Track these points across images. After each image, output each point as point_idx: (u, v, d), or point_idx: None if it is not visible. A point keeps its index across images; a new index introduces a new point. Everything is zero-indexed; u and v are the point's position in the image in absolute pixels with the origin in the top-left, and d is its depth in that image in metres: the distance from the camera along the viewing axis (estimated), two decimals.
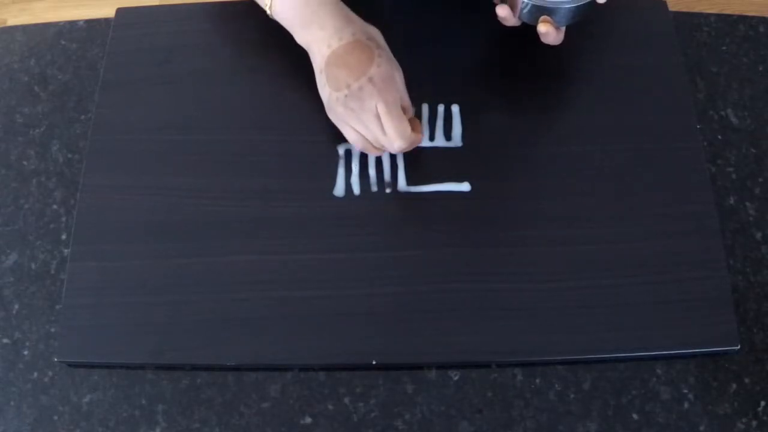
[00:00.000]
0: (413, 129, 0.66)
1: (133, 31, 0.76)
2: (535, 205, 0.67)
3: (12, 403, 0.62)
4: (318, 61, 0.66)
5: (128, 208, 0.67)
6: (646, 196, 0.67)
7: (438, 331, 0.62)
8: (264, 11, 0.69)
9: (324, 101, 0.67)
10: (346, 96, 0.64)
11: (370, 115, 0.64)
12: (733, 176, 0.70)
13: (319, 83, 0.67)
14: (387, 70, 0.64)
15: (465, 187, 0.68)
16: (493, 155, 0.69)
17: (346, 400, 0.61)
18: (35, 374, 0.63)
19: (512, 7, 0.66)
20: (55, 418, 0.61)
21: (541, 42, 0.66)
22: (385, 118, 0.64)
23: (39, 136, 0.73)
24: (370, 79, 0.63)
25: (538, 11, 0.64)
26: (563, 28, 0.67)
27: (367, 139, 0.66)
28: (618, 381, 0.62)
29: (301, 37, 0.67)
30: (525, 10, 0.65)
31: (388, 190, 0.68)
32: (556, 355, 0.62)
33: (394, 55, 0.66)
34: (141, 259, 0.65)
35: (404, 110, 0.66)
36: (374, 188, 0.68)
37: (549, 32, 0.65)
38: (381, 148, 0.67)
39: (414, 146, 0.67)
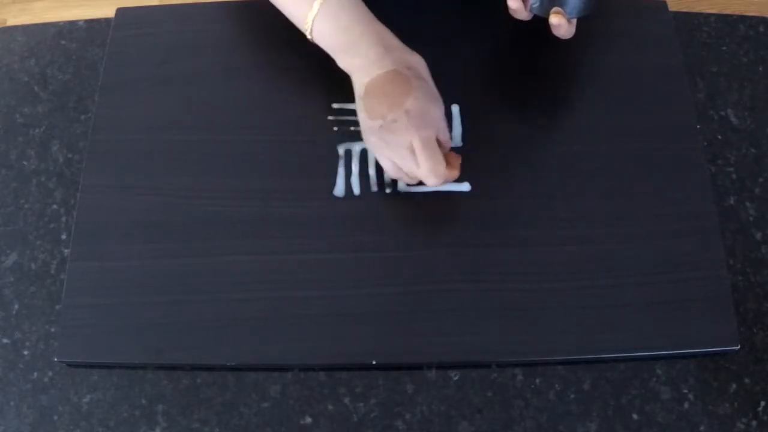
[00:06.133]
0: (449, 164, 0.64)
1: (133, 31, 0.76)
2: (535, 205, 0.67)
3: (12, 403, 0.62)
4: (357, 88, 0.65)
5: (128, 208, 0.67)
6: (646, 196, 0.67)
7: (438, 331, 0.62)
8: (300, 32, 0.68)
9: (361, 127, 0.66)
10: (380, 127, 0.63)
11: (404, 150, 0.63)
12: (733, 176, 0.70)
13: (357, 109, 0.66)
14: (423, 104, 0.62)
15: (465, 187, 0.68)
16: (493, 155, 0.69)
17: (346, 400, 0.61)
18: (35, 374, 0.63)
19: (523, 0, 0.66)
20: (55, 418, 0.61)
21: (553, 36, 0.66)
22: (419, 155, 0.62)
23: (39, 136, 0.73)
24: (407, 112, 0.62)
25: (550, 3, 0.64)
26: (574, 21, 0.66)
27: (401, 170, 0.64)
28: (618, 381, 0.62)
29: (342, 62, 0.66)
30: (536, 3, 0.65)
31: (388, 190, 0.68)
32: (556, 355, 0.62)
33: None
34: (141, 259, 0.65)
35: (441, 144, 0.64)
36: (374, 188, 0.68)
37: (561, 24, 0.65)
38: (416, 178, 0.65)
39: (450, 181, 0.65)
